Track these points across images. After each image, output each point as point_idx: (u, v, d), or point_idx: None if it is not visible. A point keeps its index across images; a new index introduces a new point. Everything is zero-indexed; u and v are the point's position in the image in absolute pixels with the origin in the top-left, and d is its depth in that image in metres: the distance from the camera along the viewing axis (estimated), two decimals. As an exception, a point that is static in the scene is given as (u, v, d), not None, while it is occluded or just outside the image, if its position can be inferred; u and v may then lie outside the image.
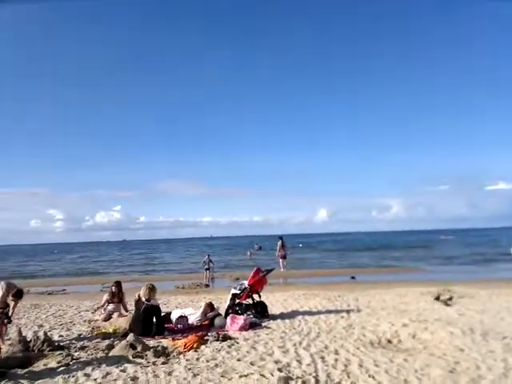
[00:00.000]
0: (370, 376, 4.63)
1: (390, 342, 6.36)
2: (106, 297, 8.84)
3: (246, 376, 4.63)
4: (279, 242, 22.30)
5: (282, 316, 8.45)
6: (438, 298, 9.39)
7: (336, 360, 5.28)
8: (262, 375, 4.63)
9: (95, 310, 9.64)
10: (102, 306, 8.84)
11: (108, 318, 8.38)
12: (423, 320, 7.56)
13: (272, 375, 4.61)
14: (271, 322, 7.90)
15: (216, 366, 5.17)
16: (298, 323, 7.73)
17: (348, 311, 8.83)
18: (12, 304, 6.77)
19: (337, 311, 8.86)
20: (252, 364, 5.18)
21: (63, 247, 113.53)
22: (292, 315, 8.50)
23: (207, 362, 5.36)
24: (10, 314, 6.62)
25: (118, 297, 8.74)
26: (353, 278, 18.17)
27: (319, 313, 8.74)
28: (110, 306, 8.67)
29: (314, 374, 4.69)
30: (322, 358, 5.40)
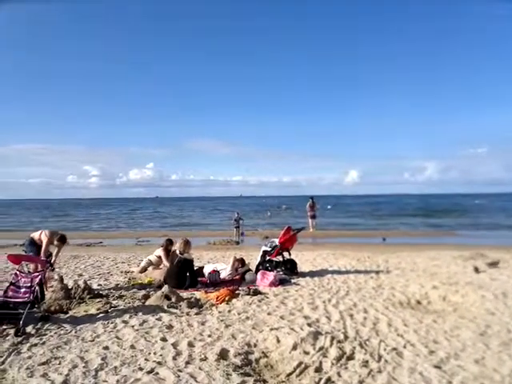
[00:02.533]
0: (398, 335, 4.67)
1: (419, 303, 6.37)
2: (161, 253, 8.61)
3: (276, 329, 4.76)
4: (309, 202, 22.31)
5: (311, 274, 8.57)
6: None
7: (365, 318, 5.34)
8: (292, 329, 4.75)
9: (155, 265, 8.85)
10: (158, 265, 8.68)
11: (144, 270, 8.71)
12: (454, 283, 7.48)
13: (302, 329, 4.72)
14: (300, 279, 8.03)
15: (247, 318, 5.34)
16: (327, 281, 7.83)
17: (377, 272, 8.85)
18: (55, 251, 7.17)
19: (366, 271, 8.91)
20: (282, 318, 5.32)
21: (98, 202, 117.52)
22: (321, 273, 8.61)
23: (238, 314, 5.55)
24: (52, 261, 7.03)
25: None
26: (384, 239, 18.08)
27: (348, 272, 8.81)
28: (153, 259, 8.77)
29: (342, 331, 4.78)
30: (351, 315, 5.48)
